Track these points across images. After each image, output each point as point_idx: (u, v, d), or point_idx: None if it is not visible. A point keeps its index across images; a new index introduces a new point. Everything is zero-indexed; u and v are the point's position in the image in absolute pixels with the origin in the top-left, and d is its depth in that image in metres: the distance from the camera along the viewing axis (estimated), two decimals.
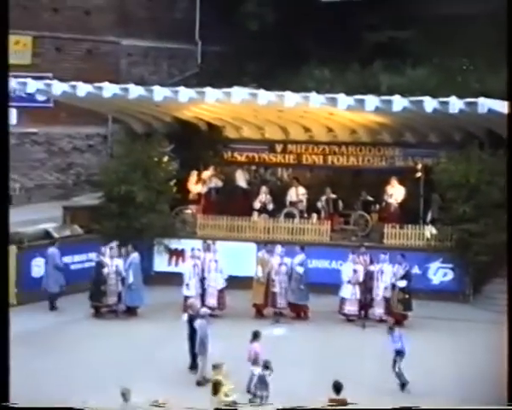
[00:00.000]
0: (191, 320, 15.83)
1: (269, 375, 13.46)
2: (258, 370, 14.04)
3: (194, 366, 15.72)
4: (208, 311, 16.61)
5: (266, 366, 13.58)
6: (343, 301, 19.71)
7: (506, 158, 10.99)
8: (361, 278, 19.59)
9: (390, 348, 15.24)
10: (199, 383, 15.17)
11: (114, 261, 19.77)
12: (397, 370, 15.10)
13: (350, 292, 19.62)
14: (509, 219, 10.08)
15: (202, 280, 19.86)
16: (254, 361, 14.63)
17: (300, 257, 20.06)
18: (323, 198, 23.94)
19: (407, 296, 19.37)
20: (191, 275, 19.67)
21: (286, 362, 15.56)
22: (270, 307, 19.95)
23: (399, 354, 15.21)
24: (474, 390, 13.38)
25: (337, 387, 11.95)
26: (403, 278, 19.42)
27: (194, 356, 15.74)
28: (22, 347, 16.45)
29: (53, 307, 20.27)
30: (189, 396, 14.53)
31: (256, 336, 14.91)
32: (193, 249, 20.39)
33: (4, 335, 7.76)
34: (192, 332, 15.76)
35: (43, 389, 14.37)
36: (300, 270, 19.84)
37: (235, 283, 20.17)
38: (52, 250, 20.69)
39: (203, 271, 19.88)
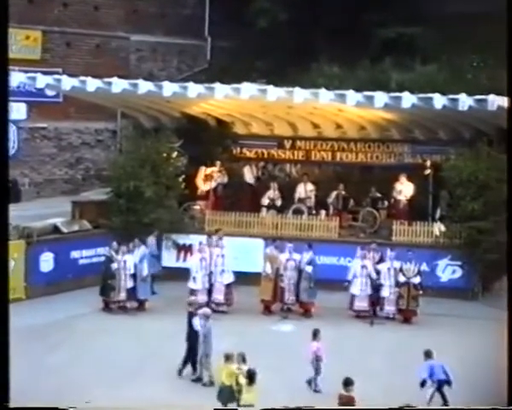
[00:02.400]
0: (190, 319, 15.41)
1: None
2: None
3: (184, 367, 15.35)
4: (209, 311, 15.69)
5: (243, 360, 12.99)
6: (353, 297, 19.70)
7: (506, 155, 10.90)
8: (371, 275, 19.58)
9: (422, 375, 13.72)
10: (195, 380, 15.05)
11: (123, 257, 19.79)
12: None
13: (359, 288, 19.63)
14: (509, 217, 9.97)
15: (210, 275, 19.88)
16: (315, 360, 14.64)
17: (309, 255, 20.02)
18: (333, 194, 23.91)
19: (421, 292, 19.46)
20: (198, 268, 19.73)
21: (294, 358, 15.56)
22: (278, 303, 19.94)
23: (444, 383, 13.65)
24: (482, 388, 13.30)
25: (347, 382, 11.94)
26: (416, 274, 19.50)
27: (189, 359, 15.32)
28: (30, 341, 16.57)
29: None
30: (195, 392, 14.63)
31: (315, 335, 14.86)
32: (200, 243, 20.41)
33: (4, 334, 7.75)
34: (191, 332, 15.36)
35: (52, 384, 14.42)
36: (309, 269, 19.82)
37: (242, 278, 20.16)
38: (151, 239, 21.27)
39: (210, 265, 19.91)
